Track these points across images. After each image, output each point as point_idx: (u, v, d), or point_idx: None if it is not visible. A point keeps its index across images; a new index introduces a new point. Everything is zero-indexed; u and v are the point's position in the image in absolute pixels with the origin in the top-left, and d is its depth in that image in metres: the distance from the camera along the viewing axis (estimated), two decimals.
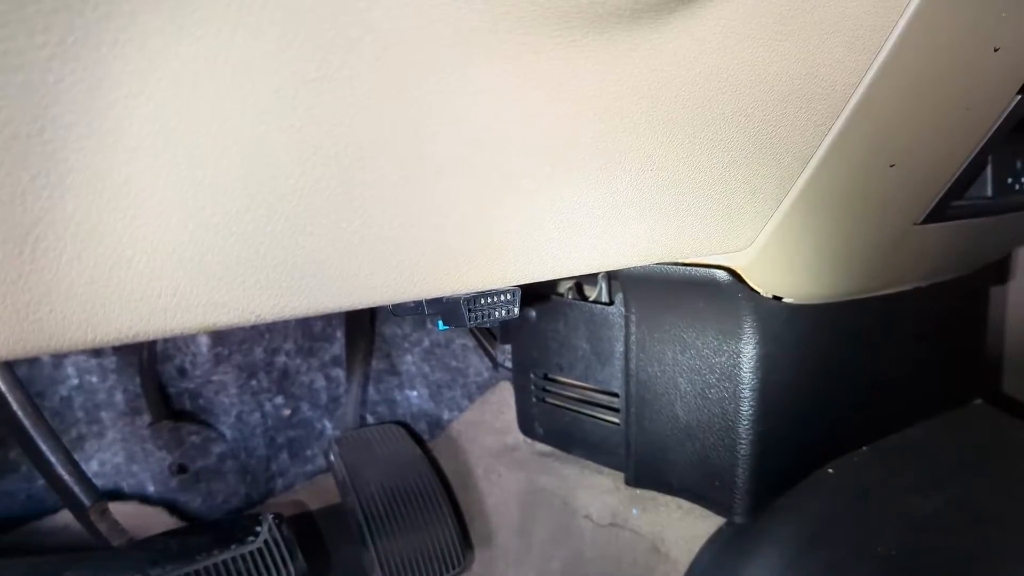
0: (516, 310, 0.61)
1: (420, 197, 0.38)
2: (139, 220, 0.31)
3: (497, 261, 0.45)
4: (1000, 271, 1.03)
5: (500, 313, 0.60)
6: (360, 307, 0.41)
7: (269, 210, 0.34)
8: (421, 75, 0.34)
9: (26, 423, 0.65)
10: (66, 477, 0.65)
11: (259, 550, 0.67)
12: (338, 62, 0.31)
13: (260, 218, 0.34)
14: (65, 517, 0.93)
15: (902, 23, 0.45)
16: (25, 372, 0.95)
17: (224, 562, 0.66)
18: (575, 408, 0.95)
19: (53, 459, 0.66)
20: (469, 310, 0.59)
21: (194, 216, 0.32)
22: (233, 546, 0.66)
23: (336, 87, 0.32)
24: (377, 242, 0.38)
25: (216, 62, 0.29)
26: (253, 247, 0.35)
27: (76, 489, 0.66)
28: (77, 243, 0.30)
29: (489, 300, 0.60)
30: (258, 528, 0.68)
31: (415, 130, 0.36)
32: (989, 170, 0.73)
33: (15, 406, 0.66)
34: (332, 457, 0.89)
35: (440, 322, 0.62)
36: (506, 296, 0.61)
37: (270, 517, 0.70)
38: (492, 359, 1.13)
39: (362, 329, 1.09)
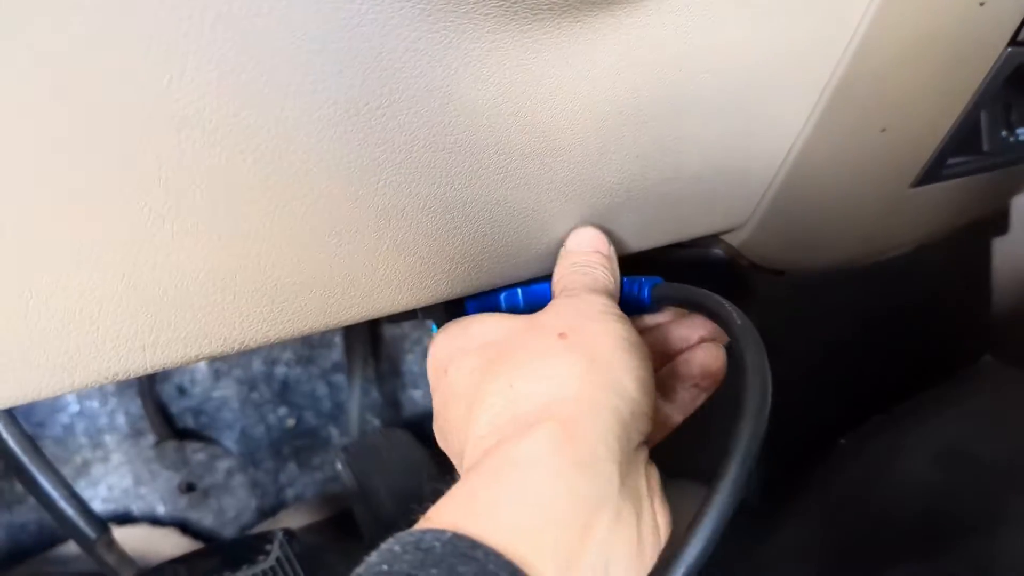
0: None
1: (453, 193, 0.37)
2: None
3: (491, 261, 0.44)
4: (1000, 221, 1.01)
5: None
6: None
7: None
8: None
9: (24, 460, 0.64)
10: (69, 512, 0.65)
11: (271, 568, 0.66)
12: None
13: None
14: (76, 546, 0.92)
15: None
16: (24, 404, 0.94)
17: None
18: None
19: (55, 494, 0.65)
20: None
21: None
22: (244, 567, 0.65)
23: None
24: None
25: None
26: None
27: (81, 523, 0.65)
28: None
29: None
30: (268, 546, 0.68)
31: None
32: (983, 125, 0.72)
33: (12, 443, 0.64)
34: (340, 467, 0.88)
35: (434, 326, 0.61)
36: None
37: (280, 534, 0.69)
38: None
39: (360, 332, 1.08)
